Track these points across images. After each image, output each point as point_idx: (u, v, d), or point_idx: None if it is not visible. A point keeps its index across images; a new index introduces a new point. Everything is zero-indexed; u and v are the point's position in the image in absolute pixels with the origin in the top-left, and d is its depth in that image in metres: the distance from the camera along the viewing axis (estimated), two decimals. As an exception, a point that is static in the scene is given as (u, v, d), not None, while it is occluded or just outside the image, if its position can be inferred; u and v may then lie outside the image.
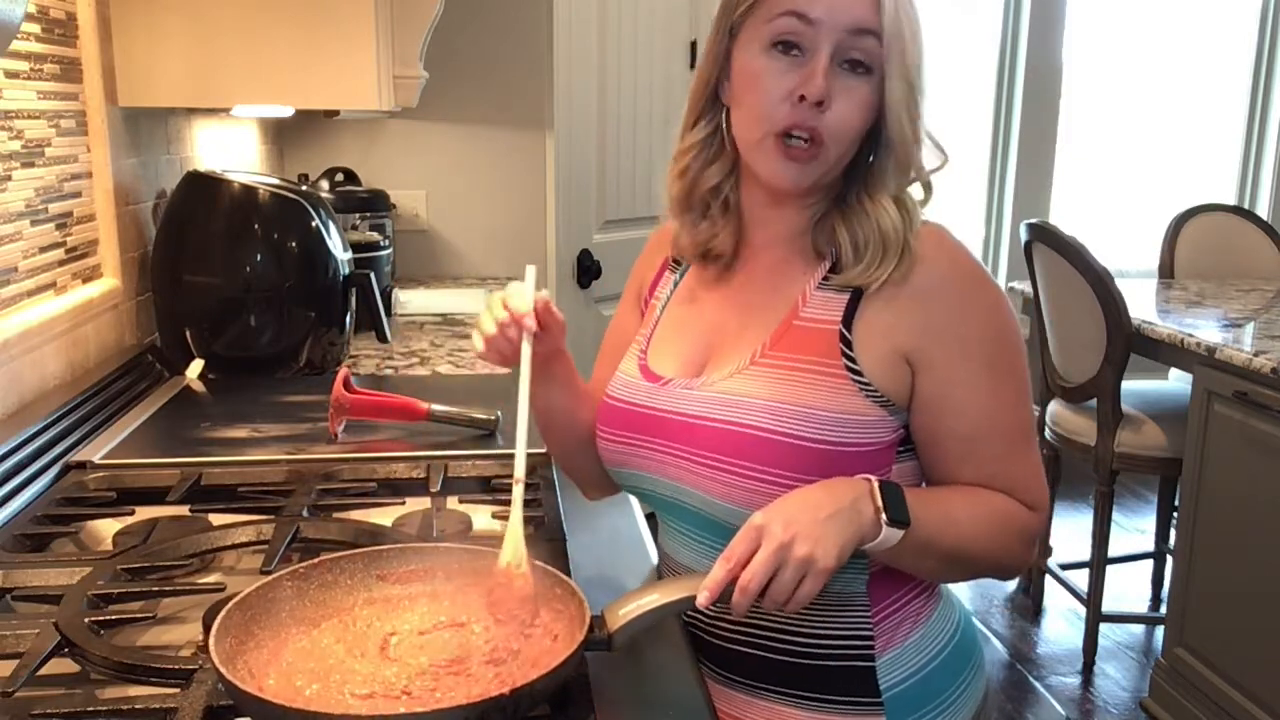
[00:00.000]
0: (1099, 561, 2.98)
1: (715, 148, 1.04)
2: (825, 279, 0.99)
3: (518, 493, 0.92)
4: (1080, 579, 3.11)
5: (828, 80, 0.93)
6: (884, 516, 0.88)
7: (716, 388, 1.00)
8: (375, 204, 2.57)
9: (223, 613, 0.82)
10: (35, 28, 1.51)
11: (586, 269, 3.19)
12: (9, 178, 1.44)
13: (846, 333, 0.96)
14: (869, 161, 0.99)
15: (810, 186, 0.99)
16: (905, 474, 1.00)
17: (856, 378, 0.95)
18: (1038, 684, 2.93)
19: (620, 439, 1.06)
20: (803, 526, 0.84)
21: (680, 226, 1.09)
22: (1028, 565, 1.03)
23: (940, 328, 0.96)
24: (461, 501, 1.27)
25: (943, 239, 0.99)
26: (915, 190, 1.01)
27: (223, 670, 0.75)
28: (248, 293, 1.77)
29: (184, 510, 1.23)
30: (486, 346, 0.98)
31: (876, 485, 0.89)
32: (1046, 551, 3.38)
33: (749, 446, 0.95)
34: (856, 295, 0.97)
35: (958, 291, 0.97)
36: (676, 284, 1.12)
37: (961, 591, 3.26)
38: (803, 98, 0.93)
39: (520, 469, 0.93)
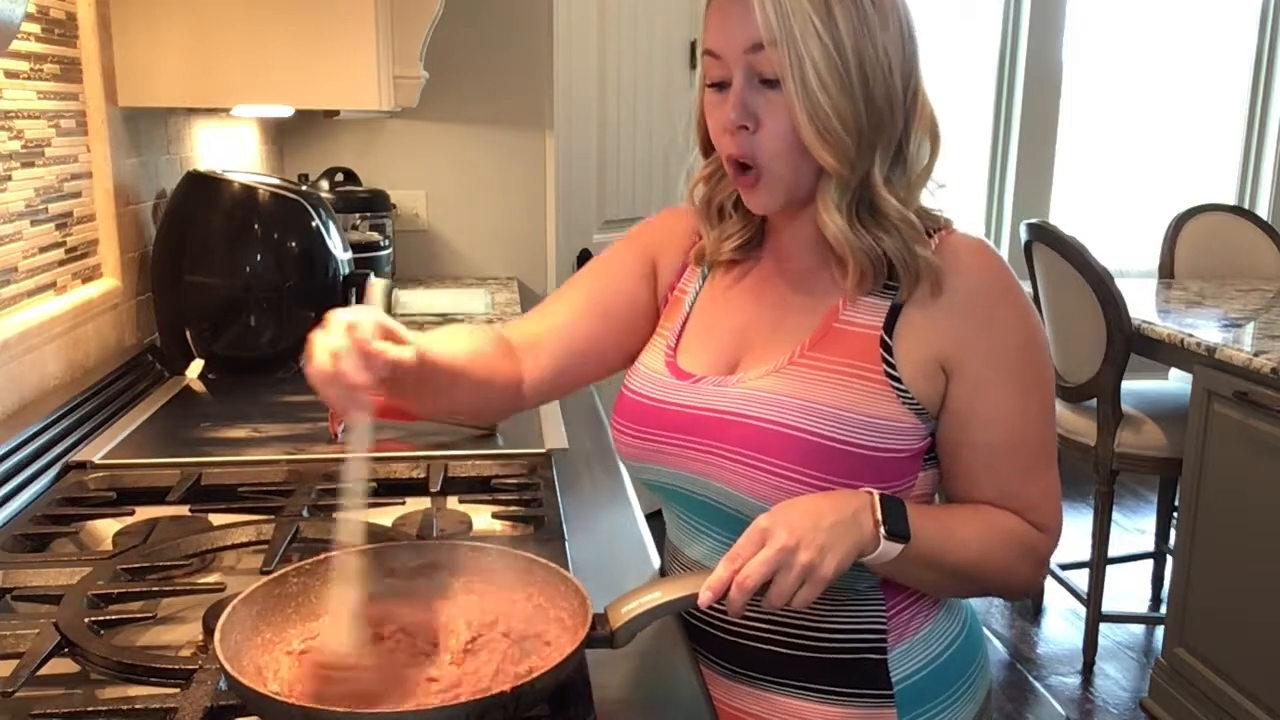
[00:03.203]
0: (1099, 561, 2.98)
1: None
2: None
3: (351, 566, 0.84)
4: (1080, 579, 3.11)
5: (742, 106, 0.94)
6: (883, 530, 0.89)
7: (751, 385, 1.00)
8: (375, 204, 2.57)
9: (228, 609, 0.82)
10: (35, 28, 1.51)
11: (586, 269, 3.19)
12: (9, 178, 1.44)
13: (887, 338, 0.96)
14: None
15: (798, 203, 0.99)
16: (929, 483, 1.00)
17: (895, 384, 0.96)
18: (1038, 684, 2.93)
19: (644, 435, 1.05)
20: (806, 533, 0.85)
21: (704, 229, 1.10)
22: (1035, 587, 1.02)
23: (974, 336, 0.96)
24: (461, 501, 1.27)
25: (981, 249, 0.99)
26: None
27: (227, 666, 0.75)
28: (248, 293, 1.77)
29: (184, 510, 1.23)
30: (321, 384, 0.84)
31: (877, 499, 0.90)
32: (1046, 551, 3.37)
33: (781, 444, 0.95)
34: (898, 302, 0.98)
35: (992, 302, 0.97)
36: (705, 277, 1.11)
37: (962, 591, 3.23)
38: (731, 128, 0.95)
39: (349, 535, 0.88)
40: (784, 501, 0.90)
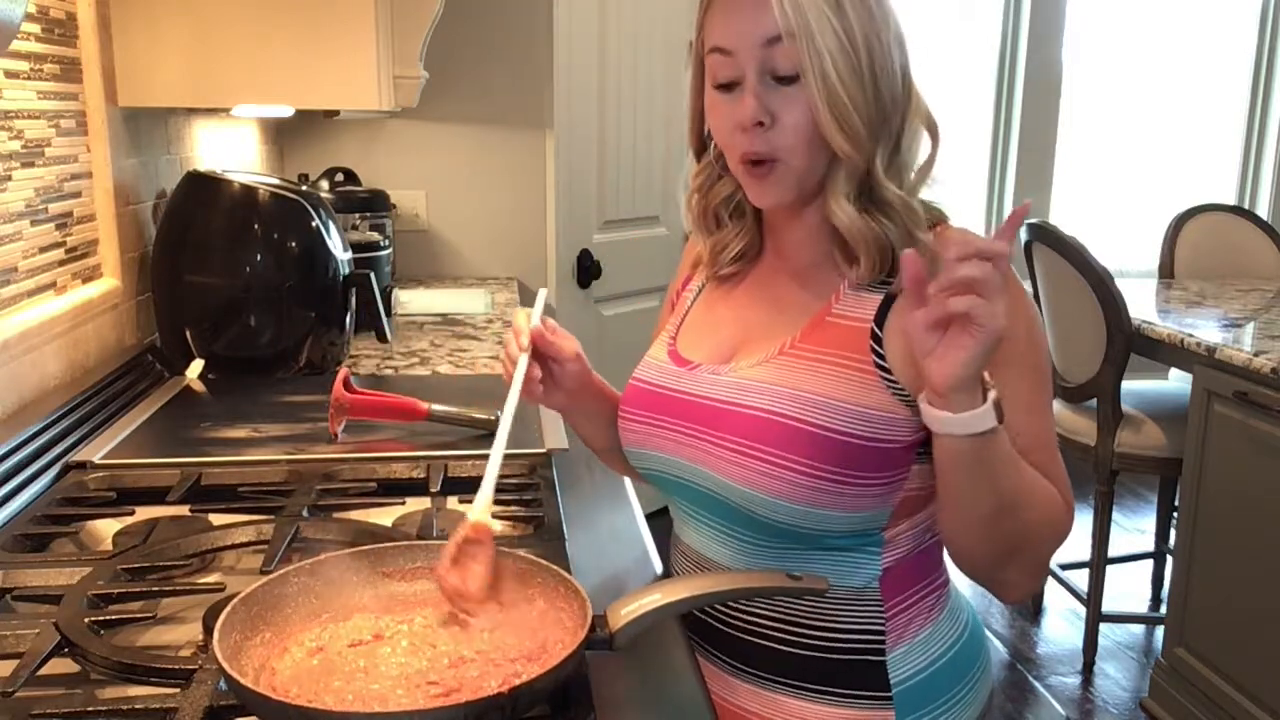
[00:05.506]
0: (1099, 561, 2.98)
1: (721, 165, 1.07)
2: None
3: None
4: (1080, 579, 3.11)
5: (759, 102, 0.95)
6: (993, 394, 0.84)
7: (743, 374, 1.01)
8: (375, 204, 2.57)
9: (228, 609, 0.81)
10: (35, 28, 1.51)
11: (586, 269, 3.19)
12: (9, 178, 1.44)
13: (878, 330, 0.97)
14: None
15: (806, 196, 1.00)
16: (923, 476, 0.99)
17: (885, 376, 0.96)
18: (1038, 684, 2.93)
19: (643, 419, 1.07)
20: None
21: (702, 242, 1.12)
22: (1043, 567, 1.01)
23: None
24: (461, 501, 1.27)
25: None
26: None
27: (226, 666, 0.75)
28: (248, 293, 1.77)
29: (184, 510, 1.23)
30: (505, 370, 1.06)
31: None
32: (1046, 551, 3.37)
33: (772, 433, 0.96)
34: (890, 295, 0.98)
35: None
36: (708, 278, 1.14)
37: (964, 591, 3.27)
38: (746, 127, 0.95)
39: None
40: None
